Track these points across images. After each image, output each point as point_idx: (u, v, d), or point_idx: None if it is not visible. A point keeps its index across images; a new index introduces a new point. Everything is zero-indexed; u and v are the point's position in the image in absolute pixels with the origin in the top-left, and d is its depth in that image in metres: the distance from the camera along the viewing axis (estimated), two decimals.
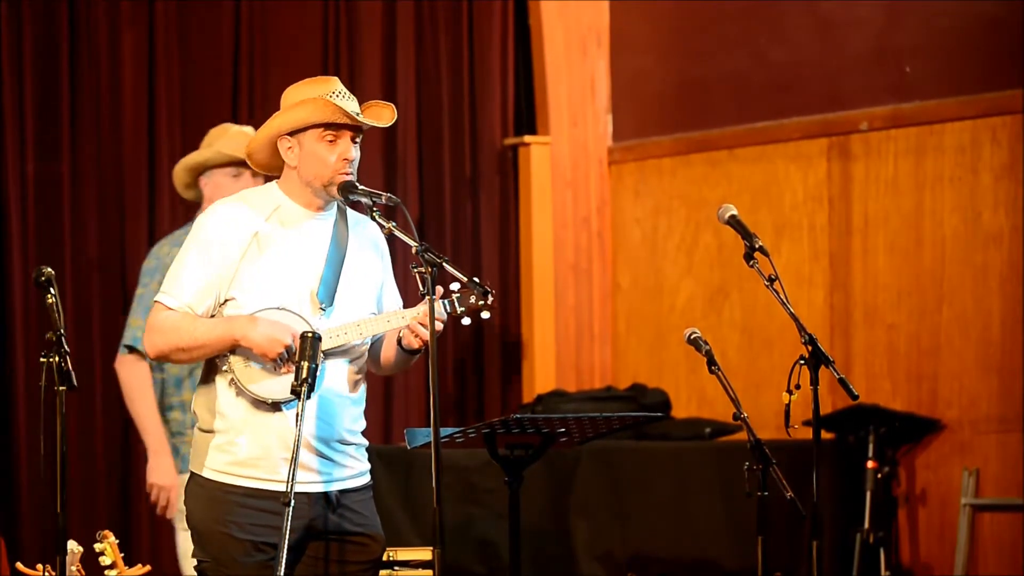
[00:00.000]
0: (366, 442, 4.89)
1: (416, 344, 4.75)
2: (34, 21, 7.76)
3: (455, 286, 4.78)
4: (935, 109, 7.67)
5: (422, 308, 4.72)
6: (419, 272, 4.56)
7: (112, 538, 5.14)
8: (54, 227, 7.78)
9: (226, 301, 4.74)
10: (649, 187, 8.77)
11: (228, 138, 6.26)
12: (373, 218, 4.74)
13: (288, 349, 4.65)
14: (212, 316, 4.76)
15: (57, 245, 7.76)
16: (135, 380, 6.18)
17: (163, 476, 6.13)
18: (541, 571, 7.65)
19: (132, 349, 6.14)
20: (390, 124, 4.83)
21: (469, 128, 8.70)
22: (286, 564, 4.60)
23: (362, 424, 4.87)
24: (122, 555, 5.14)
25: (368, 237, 4.92)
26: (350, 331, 4.75)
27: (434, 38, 8.65)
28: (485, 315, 4.82)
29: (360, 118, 4.72)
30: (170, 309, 4.73)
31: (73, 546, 4.97)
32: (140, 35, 7.97)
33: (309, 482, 4.72)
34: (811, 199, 8.02)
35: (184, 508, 4.84)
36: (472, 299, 4.78)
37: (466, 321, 4.80)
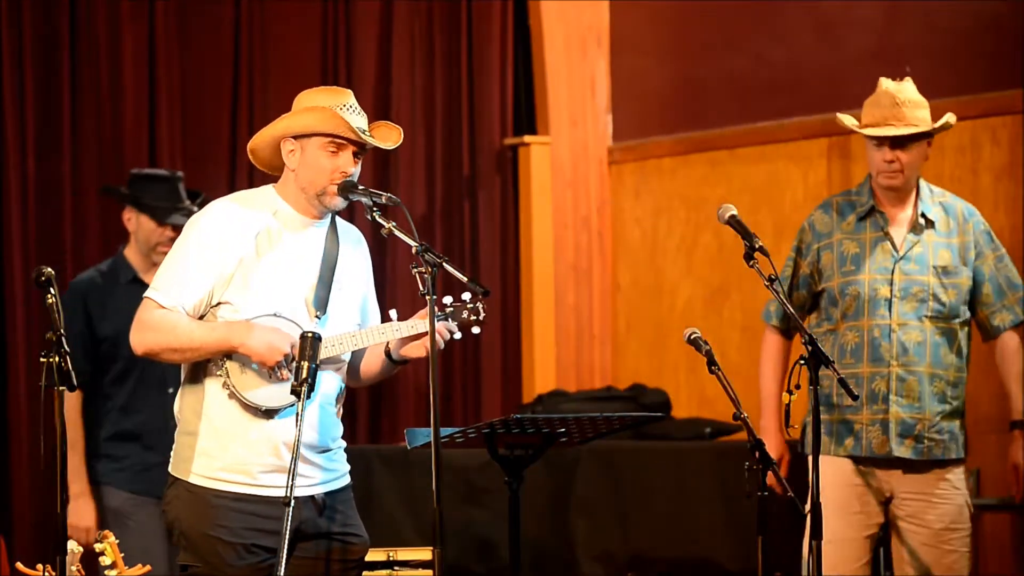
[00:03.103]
0: (344, 443, 4.91)
1: (422, 355, 4.76)
2: (35, 20, 7.76)
3: (447, 299, 4.79)
4: (935, 109, 7.65)
5: (416, 322, 4.74)
6: (419, 272, 4.56)
7: (112, 538, 5.14)
8: (55, 226, 7.78)
9: (219, 304, 4.72)
10: (649, 187, 8.76)
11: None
12: (373, 218, 4.73)
13: (287, 358, 4.64)
14: (202, 316, 4.75)
15: (57, 244, 7.76)
16: (764, 348, 6.01)
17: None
18: (541, 571, 7.65)
19: (767, 324, 5.99)
20: (395, 146, 4.82)
21: (468, 128, 8.70)
22: (277, 565, 4.62)
23: (341, 429, 4.91)
24: (122, 555, 5.14)
25: (355, 247, 4.92)
26: (345, 342, 4.76)
27: (434, 38, 8.65)
28: (476, 330, 4.83)
29: (365, 136, 4.72)
30: (163, 307, 4.71)
31: (73, 546, 4.97)
32: (140, 34, 7.97)
33: (299, 486, 4.71)
34: (811, 199, 8.00)
35: None
36: (464, 315, 4.80)
37: (458, 336, 4.81)
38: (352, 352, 4.87)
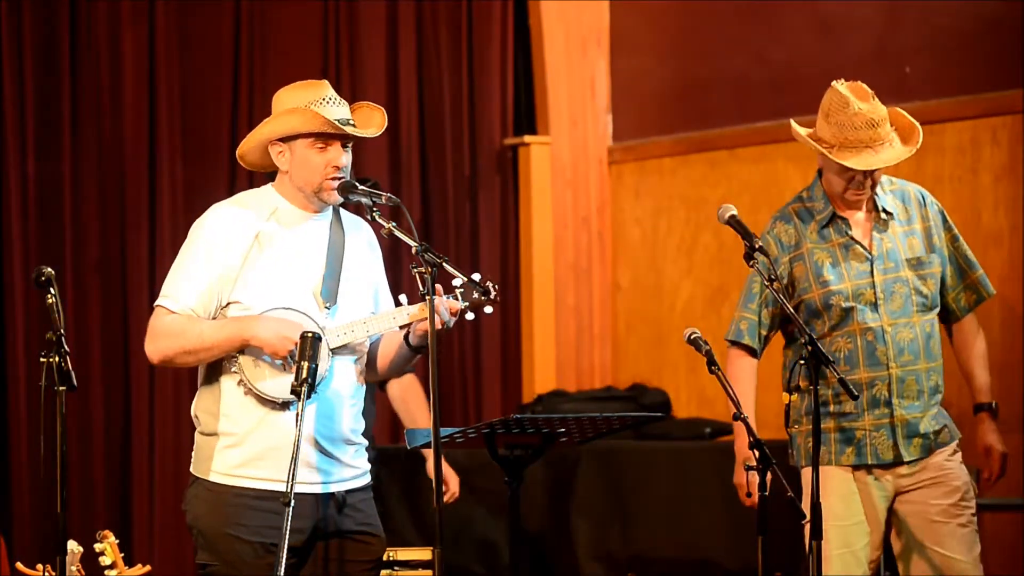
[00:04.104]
0: (366, 442, 4.90)
1: (427, 328, 4.73)
2: (35, 21, 7.77)
3: (457, 282, 4.79)
4: (935, 109, 7.65)
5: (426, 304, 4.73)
6: (419, 272, 4.57)
7: (112, 538, 5.14)
8: (54, 227, 7.78)
9: (229, 304, 4.74)
10: (649, 187, 8.76)
11: None
12: (373, 218, 4.74)
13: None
14: (213, 319, 4.75)
15: (57, 245, 7.76)
16: (736, 371, 5.58)
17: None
18: (541, 571, 7.65)
19: (734, 343, 5.64)
20: (378, 134, 4.82)
21: (469, 128, 8.70)
22: (295, 565, 4.62)
23: (363, 424, 4.87)
24: (122, 555, 5.14)
25: (362, 239, 4.93)
26: (357, 329, 4.75)
27: (434, 38, 8.65)
28: (488, 309, 4.82)
29: (346, 128, 4.72)
30: (172, 313, 4.72)
31: (73, 546, 4.97)
32: (140, 35, 7.98)
33: (315, 482, 4.72)
34: None
35: None
36: (475, 294, 4.79)
37: (470, 316, 4.81)
38: (370, 343, 4.88)
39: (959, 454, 5.61)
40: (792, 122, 5.54)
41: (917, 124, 5.51)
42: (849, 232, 5.55)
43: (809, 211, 5.60)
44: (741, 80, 8.43)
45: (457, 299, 4.78)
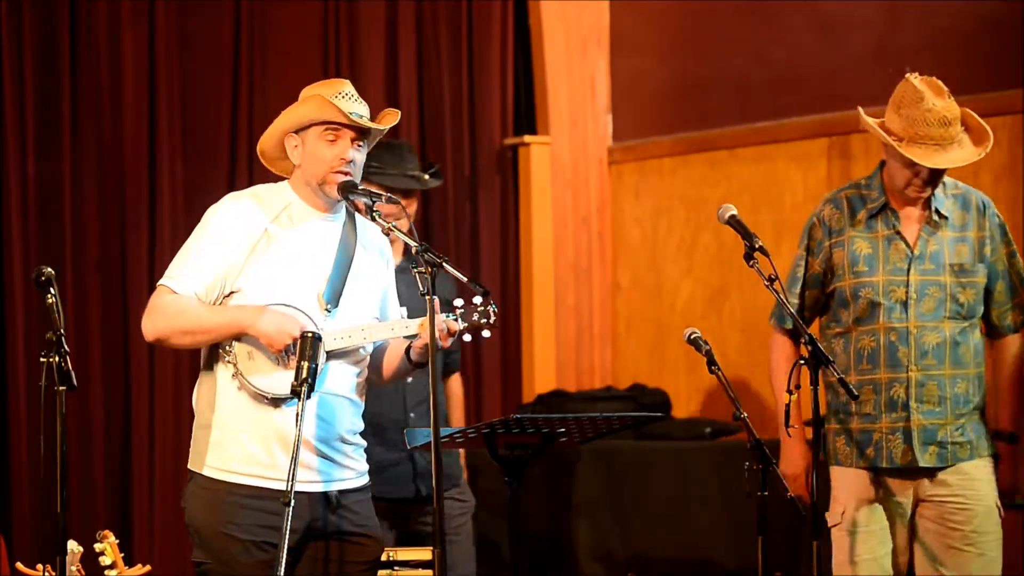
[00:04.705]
0: (364, 443, 4.90)
1: (426, 345, 4.75)
2: (35, 21, 7.76)
3: (458, 302, 4.80)
4: None
5: (425, 319, 4.74)
6: (419, 272, 4.57)
7: (112, 538, 5.15)
8: (54, 227, 7.78)
9: (231, 293, 4.76)
10: (649, 187, 8.76)
11: None
12: (373, 218, 4.75)
13: (296, 342, 4.66)
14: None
15: (57, 245, 7.76)
16: (779, 355, 5.61)
17: (789, 464, 5.53)
18: (541, 571, 7.65)
19: (778, 326, 5.63)
20: (384, 128, 4.83)
21: (469, 128, 8.70)
22: (289, 564, 4.62)
23: (360, 426, 4.88)
24: (122, 555, 5.15)
25: (374, 244, 4.94)
26: (355, 335, 4.76)
27: (435, 38, 8.65)
28: (486, 333, 4.83)
29: (354, 118, 4.74)
30: (175, 293, 4.74)
31: (73, 546, 4.98)
32: (140, 35, 7.97)
33: (309, 482, 4.73)
34: (811, 199, 8.00)
35: None
36: (475, 317, 4.80)
37: (467, 338, 4.82)
38: (374, 348, 4.89)
39: (991, 475, 5.51)
40: (860, 110, 5.50)
41: (988, 128, 5.45)
42: (897, 226, 5.47)
43: (862, 199, 5.56)
44: (741, 80, 8.43)
45: (457, 320, 4.79)
